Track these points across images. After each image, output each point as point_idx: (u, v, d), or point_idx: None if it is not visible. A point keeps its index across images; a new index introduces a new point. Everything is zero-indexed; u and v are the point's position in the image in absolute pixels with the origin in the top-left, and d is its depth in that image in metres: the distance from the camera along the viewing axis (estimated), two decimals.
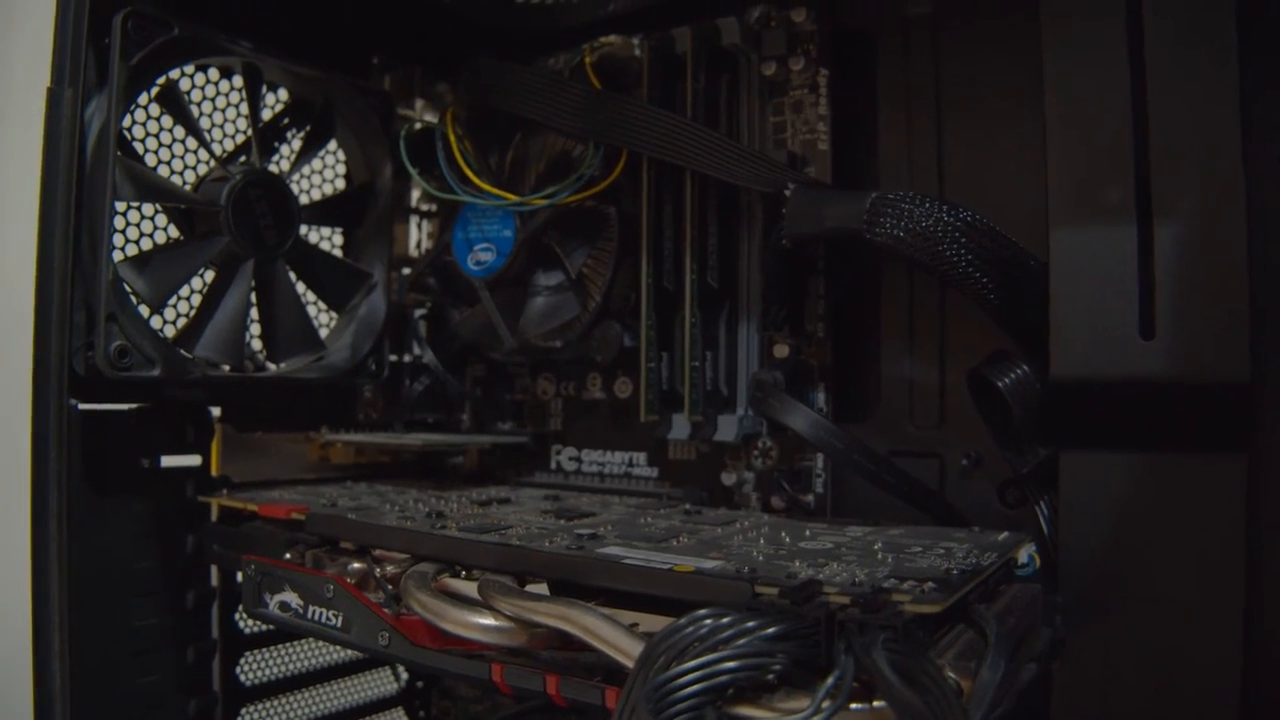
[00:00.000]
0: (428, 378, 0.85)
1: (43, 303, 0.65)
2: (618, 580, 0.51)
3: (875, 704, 0.42)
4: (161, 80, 0.71)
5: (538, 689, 0.53)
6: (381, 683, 0.91)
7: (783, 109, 0.72)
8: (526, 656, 0.55)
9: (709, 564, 0.51)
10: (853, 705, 0.42)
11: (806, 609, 0.45)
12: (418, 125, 0.84)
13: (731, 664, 0.43)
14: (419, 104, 0.86)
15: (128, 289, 0.67)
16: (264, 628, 0.79)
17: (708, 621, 0.44)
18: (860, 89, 0.73)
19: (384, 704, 0.90)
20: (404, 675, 0.92)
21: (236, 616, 0.77)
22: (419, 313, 0.86)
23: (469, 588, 0.56)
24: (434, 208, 0.89)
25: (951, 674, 0.44)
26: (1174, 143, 0.55)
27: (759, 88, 0.73)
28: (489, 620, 0.53)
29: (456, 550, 0.58)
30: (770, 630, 0.44)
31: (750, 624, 0.44)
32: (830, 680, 0.41)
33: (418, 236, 0.89)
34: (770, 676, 0.43)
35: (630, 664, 0.46)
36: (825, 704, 0.41)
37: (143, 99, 0.70)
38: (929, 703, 0.40)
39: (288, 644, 0.82)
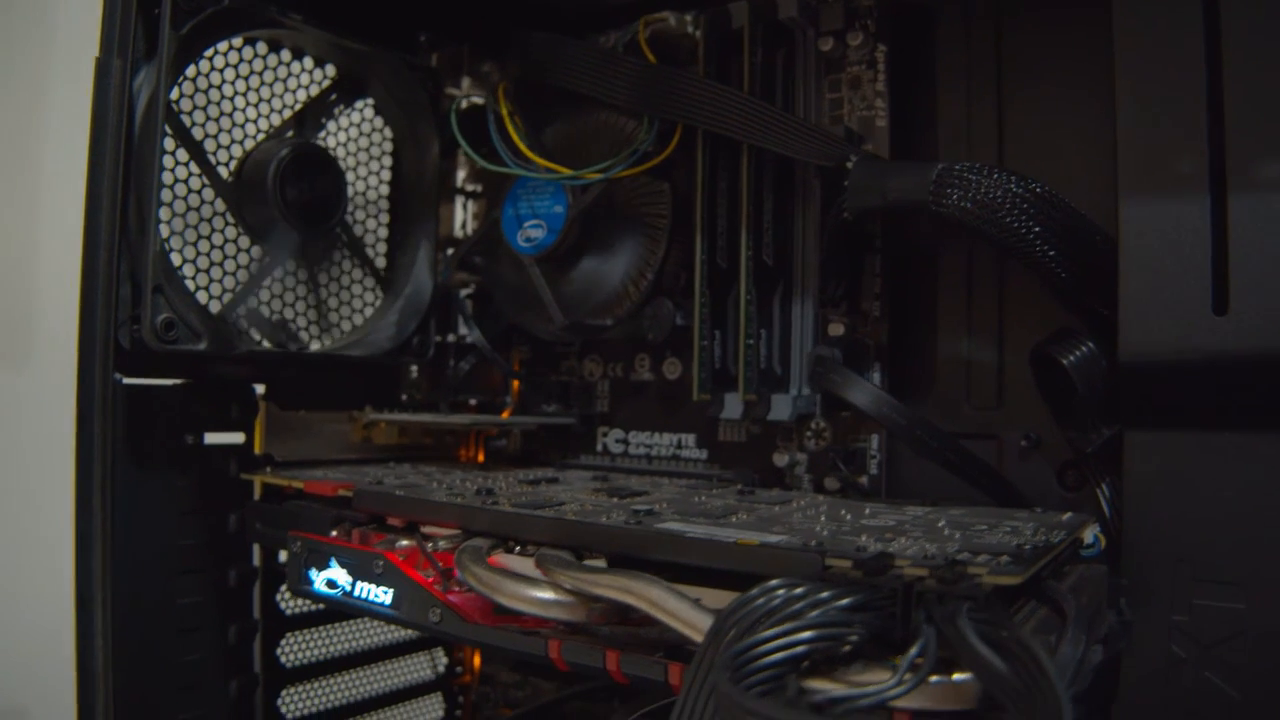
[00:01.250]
0: (474, 357, 0.84)
1: (88, 276, 0.64)
2: (681, 554, 0.50)
3: (955, 676, 0.41)
4: (209, 52, 0.70)
5: (597, 665, 0.52)
6: (420, 667, 0.90)
7: (839, 85, 0.71)
8: (583, 633, 0.54)
9: (773, 538, 0.50)
10: (931, 678, 0.41)
11: (882, 580, 0.44)
12: (464, 104, 0.83)
13: (808, 633, 0.41)
14: (465, 82, 0.85)
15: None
16: (305, 609, 0.78)
17: (780, 592, 0.43)
18: (919, 65, 0.71)
19: (424, 688, 0.89)
20: (442, 662, 0.91)
21: (278, 597, 0.76)
22: (464, 292, 0.85)
23: (524, 564, 0.55)
24: (479, 188, 0.89)
25: None
26: (1249, 110, 0.53)
27: (816, 64, 0.72)
28: (548, 594, 0.52)
29: (511, 525, 0.56)
30: (846, 601, 0.42)
31: (824, 594, 0.43)
32: (914, 650, 0.40)
33: (462, 217, 0.88)
34: (847, 648, 0.42)
35: (698, 637, 0.45)
36: (908, 675, 0.40)
37: (190, 71, 0.70)
38: (1019, 672, 0.38)
39: (328, 626, 0.81)
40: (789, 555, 0.47)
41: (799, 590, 0.43)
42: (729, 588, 0.48)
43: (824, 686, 0.41)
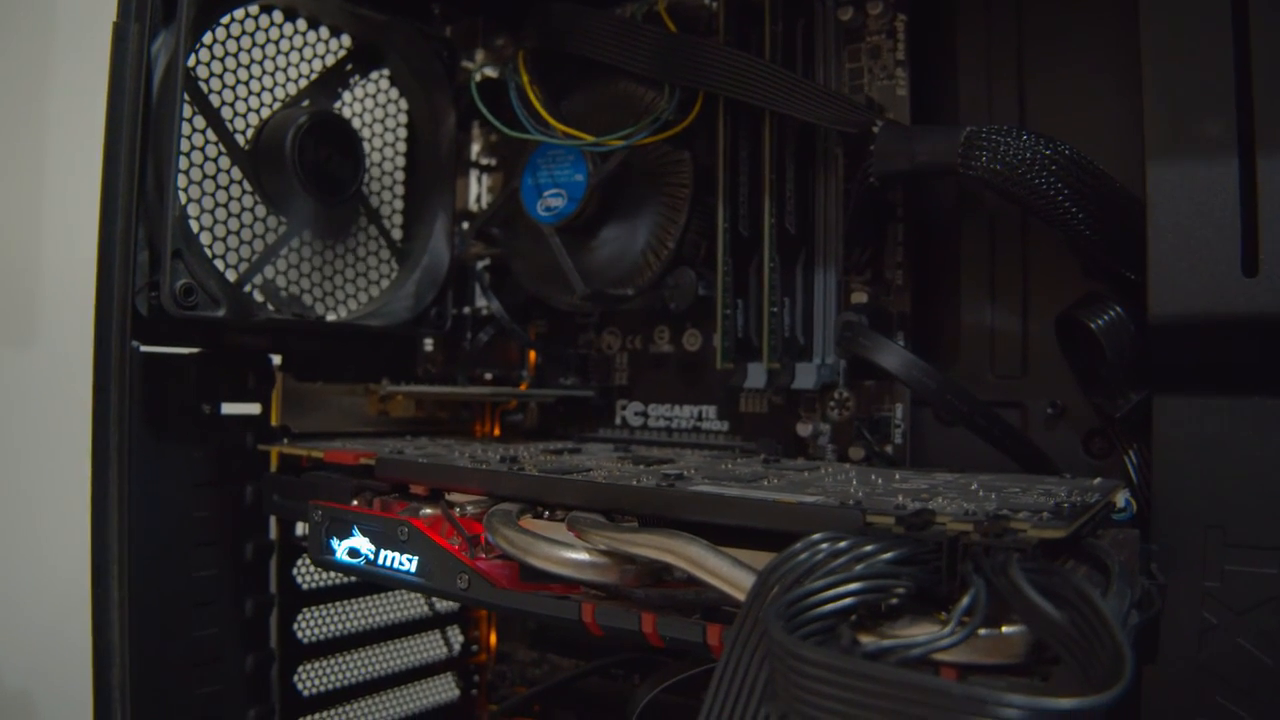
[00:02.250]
0: (492, 328, 0.83)
1: (106, 241, 0.63)
2: (717, 514, 0.49)
3: (1004, 629, 0.41)
4: (225, 19, 0.69)
5: (632, 628, 0.51)
6: (436, 645, 0.89)
7: (859, 55, 0.71)
8: (615, 597, 0.53)
9: (809, 499, 0.49)
10: (979, 631, 0.40)
11: (926, 534, 0.43)
12: (477, 78, 0.82)
13: (857, 584, 0.41)
14: (480, 55, 0.85)
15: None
16: (321, 584, 0.77)
17: (824, 546, 0.42)
18: (939, 34, 0.71)
19: (439, 667, 0.89)
20: (458, 640, 0.90)
21: (294, 572, 0.76)
22: (481, 264, 0.85)
23: (555, 529, 0.54)
24: (494, 162, 0.88)
25: None
26: (1277, 70, 0.53)
27: (835, 33, 0.71)
28: (582, 555, 0.51)
29: (540, 488, 0.56)
30: (890, 554, 0.42)
31: (869, 548, 0.42)
32: (966, 600, 0.40)
33: (477, 190, 0.88)
34: (894, 600, 0.42)
35: (740, 595, 0.44)
36: (959, 627, 0.39)
37: (207, 38, 0.69)
38: (1076, 621, 0.38)
39: (344, 601, 0.80)
40: (829, 512, 0.47)
41: (843, 544, 0.42)
42: (765, 549, 0.47)
43: (872, 641, 0.41)
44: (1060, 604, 0.38)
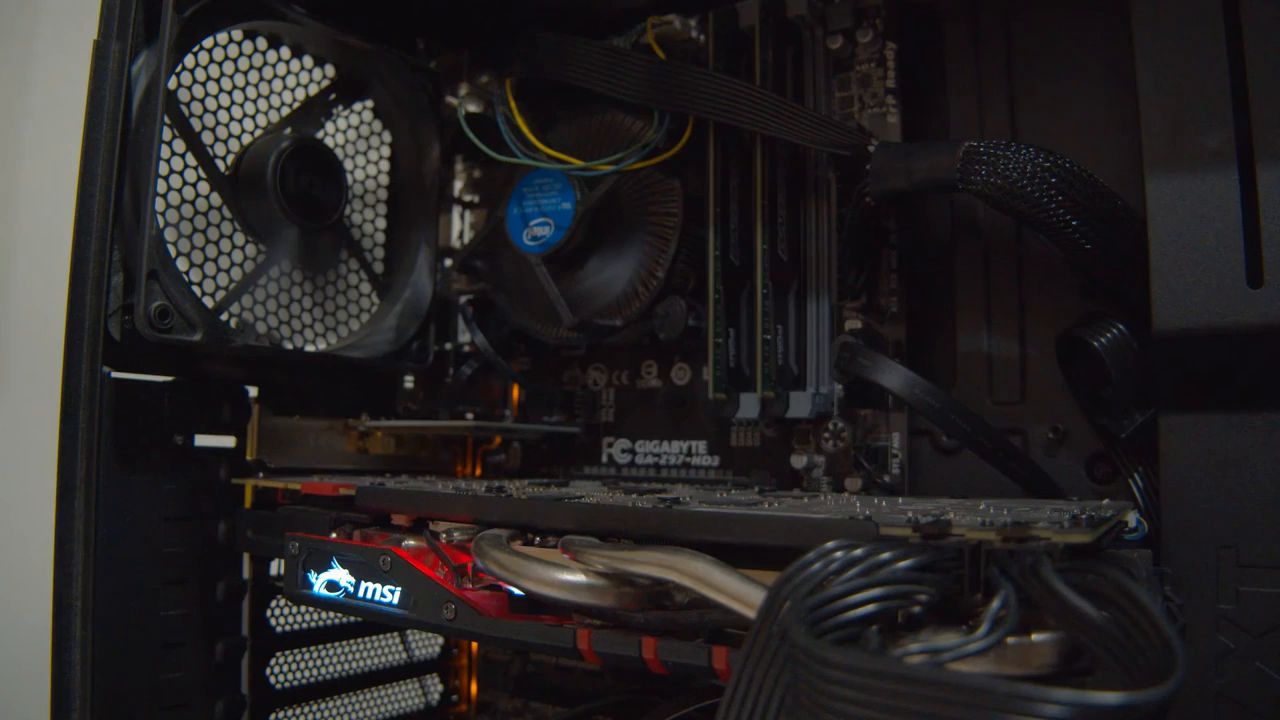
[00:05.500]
0: (476, 361, 0.81)
1: (79, 262, 0.61)
2: (721, 533, 0.47)
3: (1034, 637, 0.39)
4: (208, 43, 0.68)
5: (632, 654, 0.48)
6: (414, 695, 0.85)
7: (849, 84, 0.70)
8: (613, 623, 0.50)
9: (818, 515, 0.47)
10: (1008, 640, 0.38)
11: (945, 543, 0.41)
12: (462, 113, 0.81)
13: (878, 590, 0.39)
14: (463, 90, 0.84)
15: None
16: (295, 627, 0.74)
17: (839, 554, 0.40)
18: (929, 62, 0.71)
19: (418, 718, 0.85)
20: (436, 689, 0.86)
21: (268, 613, 0.72)
22: (464, 298, 0.83)
23: (547, 555, 0.51)
24: (476, 198, 0.87)
25: None
26: (1273, 79, 0.53)
27: (825, 62, 0.71)
28: (578, 577, 0.49)
29: (530, 512, 0.53)
30: (908, 562, 0.40)
31: (886, 555, 0.40)
32: (997, 601, 0.38)
33: (460, 227, 0.86)
34: (916, 609, 0.40)
35: (749, 612, 0.42)
36: (993, 633, 0.37)
37: (189, 61, 0.67)
38: (1118, 620, 0.36)
39: (320, 646, 0.77)
40: (840, 525, 0.44)
41: (858, 551, 0.40)
42: (771, 568, 0.45)
43: (898, 649, 0.39)
44: (1099, 602, 0.36)
